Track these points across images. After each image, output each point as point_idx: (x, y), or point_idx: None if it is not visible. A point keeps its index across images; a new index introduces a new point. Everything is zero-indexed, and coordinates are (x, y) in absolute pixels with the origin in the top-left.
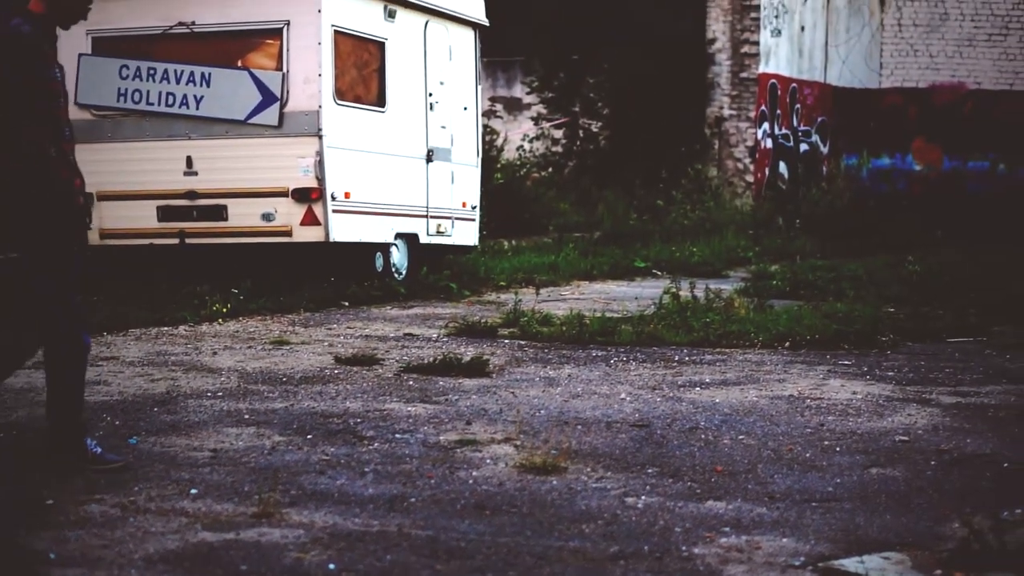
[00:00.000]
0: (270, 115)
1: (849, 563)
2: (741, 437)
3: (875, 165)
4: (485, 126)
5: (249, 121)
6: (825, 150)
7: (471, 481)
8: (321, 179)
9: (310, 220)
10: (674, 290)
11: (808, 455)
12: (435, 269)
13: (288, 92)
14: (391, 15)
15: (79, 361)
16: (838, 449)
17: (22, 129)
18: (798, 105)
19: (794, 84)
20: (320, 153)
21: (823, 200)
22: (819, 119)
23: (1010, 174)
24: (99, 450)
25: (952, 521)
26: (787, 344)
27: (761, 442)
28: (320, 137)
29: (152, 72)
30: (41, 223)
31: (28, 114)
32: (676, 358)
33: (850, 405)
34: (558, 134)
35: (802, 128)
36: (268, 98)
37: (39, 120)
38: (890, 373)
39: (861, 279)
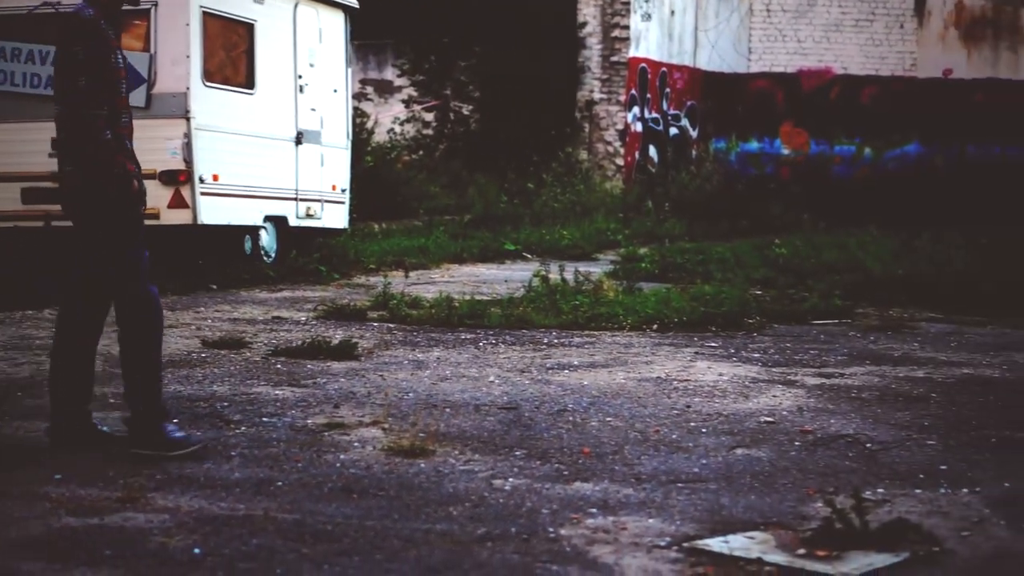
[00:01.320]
0: (137, 97)
1: (714, 543)
2: (608, 419)
3: (743, 149)
4: (356, 109)
5: None
6: (694, 134)
7: (339, 464)
8: (189, 161)
9: (178, 203)
10: (543, 273)
11: (674, 436)
12: (305, 252)
13: (156, 73)
14: None
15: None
16: (704, 430)
17: (79, 112)
18: (668, 89)
19: (664, 68)
20: (188, 135)
21: (692, 183)
22: (689, 103)
23: (876, 158)
24: None
25: (815, 501)
26: (655, 326)
27: (628, 424)
28: (188, 119)
29: (17, 52)
30: (86, 209)
31: (83, 96)
32: (545, 341)
33: (716, 387)
34: (429, 117)
35: (672, 112)
36: (135, 79)
37: (94, 103)
38: (756, 355)
39: (729, 262)
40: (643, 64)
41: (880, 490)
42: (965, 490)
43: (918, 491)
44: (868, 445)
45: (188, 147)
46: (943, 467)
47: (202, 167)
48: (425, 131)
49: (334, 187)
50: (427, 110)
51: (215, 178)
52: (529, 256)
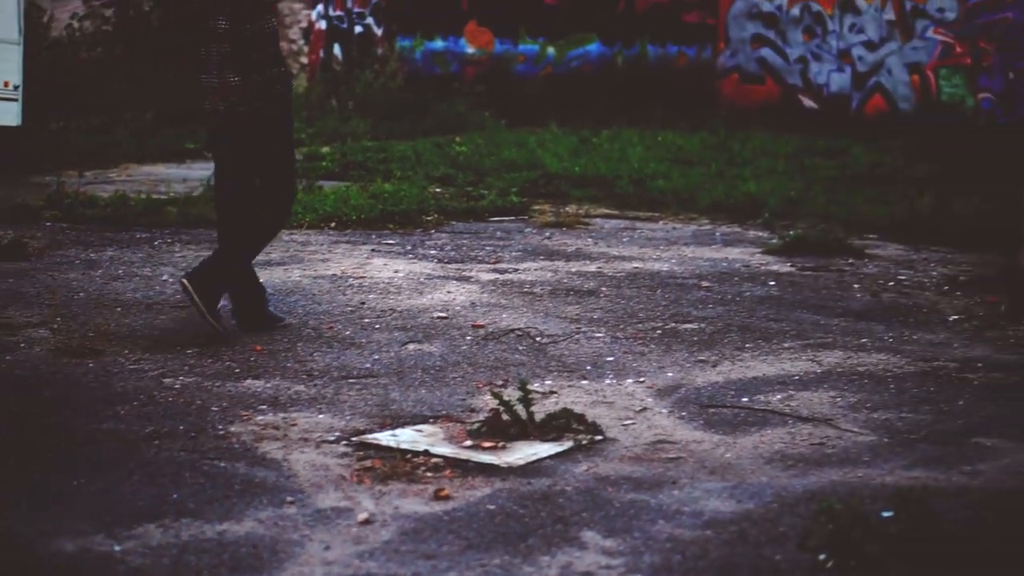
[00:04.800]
0: None
1: (383, 436)
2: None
3: (428, 48)
4: (30, 3)
5: None
6: (379, 32)
7: (4, 365)
8: None
9: None
10: None
11: (348, 333)
12: None
13: None
14: None
15: None
16: (377, 326)
17: (263, 26)
18: None
19: None
20: None
21: (376, 82)
22: (373, 1)
23: (559, 58)
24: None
25: (484, 394)
26: (333, 224)
27: (302, 321)
28: None
29: None
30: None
31: (266, 9)
32: None
33: (392, 283)
34: (108, 13)
35: (356, 10)
36: None
37: (273, 15)
38: (432, 252)
39: (410, 160)
40: None
41: (548, 382)
42: (630, 380)
43: (584, 382)
44: (538, 338)
45: None
46: (610, 359)
47: None
48: (105, 27)
49: (6, 83)
50: (105, 6)
51: None
52: (209, 155)
